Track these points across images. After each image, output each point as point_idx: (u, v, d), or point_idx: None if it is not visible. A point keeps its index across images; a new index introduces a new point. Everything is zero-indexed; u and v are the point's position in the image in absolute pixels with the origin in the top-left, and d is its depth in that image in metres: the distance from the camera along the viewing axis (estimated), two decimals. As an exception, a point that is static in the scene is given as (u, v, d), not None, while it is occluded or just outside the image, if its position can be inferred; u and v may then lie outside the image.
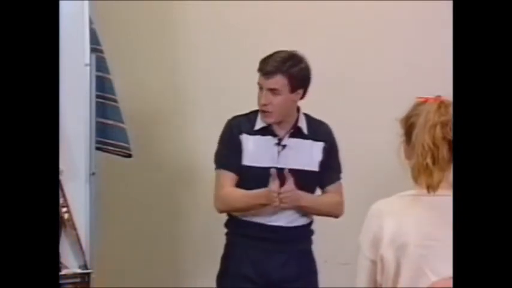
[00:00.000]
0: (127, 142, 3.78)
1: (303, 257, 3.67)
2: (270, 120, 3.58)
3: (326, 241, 3.78)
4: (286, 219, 3.60)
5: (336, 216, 3.69)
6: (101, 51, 3.66)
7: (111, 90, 3.73)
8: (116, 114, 3.74)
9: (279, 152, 3.58)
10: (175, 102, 4.61)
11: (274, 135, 3.60)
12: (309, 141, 3.61)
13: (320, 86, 3.99)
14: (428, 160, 2.34)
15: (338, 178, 3.69)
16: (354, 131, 3.76)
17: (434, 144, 2.35)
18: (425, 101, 2.43)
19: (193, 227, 4.63)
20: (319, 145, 3.62)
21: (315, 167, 3.61)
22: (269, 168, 3.50)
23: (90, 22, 3.46)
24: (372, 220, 2.42)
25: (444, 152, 2.34)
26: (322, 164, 3.61)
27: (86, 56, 3.42)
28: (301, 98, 3.61)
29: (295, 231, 3.63)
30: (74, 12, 3.36)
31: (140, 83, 4.53)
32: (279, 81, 3.52)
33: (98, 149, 3.60)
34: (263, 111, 3.57)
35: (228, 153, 3.61)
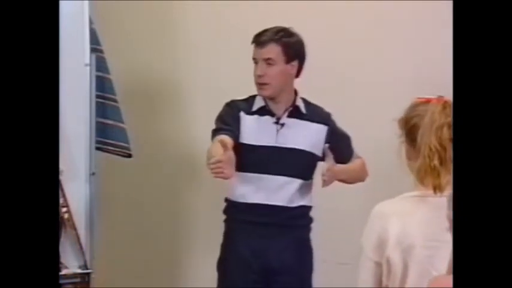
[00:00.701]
0: (127, 142, 3.79)
1: (301, 246, 3.65)
2: (267, 92, 3.56)
3: (325, 241, 3.77)
4: (286, 199, 3.57)
5: (364, 179, 3.72)
6: (101, 51, 3.67)
7: (111, 90, 3.73)
8: (116, 114, 3.74)
9: (277, 131, 3.58)
10: (175, 102, 4.61)
11: (272, 114, 3.59)
12: (308, 122, 3.60)
13: (320, 86, 3.99)
14: (436, 161, 2.33)
15: (352, 151, 3.70)
16: (354, 131, 3.75)
17: (441, 145, 2.34)
18: (427, 101, 2.42)
19: (193, 227, 4.63)
20: (321, 128, 3.61)
21: (316, 150, 3.59)
22: (268, 147, 3.50)
23: (90, 22, 3.47)
24: (375, 222, 2.40)
25: (451, 152, 2.32)
26: (334, 147, 3.55)
27: (86, 56, 3.43)
28: (297, 75, 3.60)
29: (294, 213, 3.59)
30: (74, 12, 3.37)
31: (140, 83, 4.53)
32: (273, 49, 3.53)
33: (98, 149, 3.60)
34: (259, 84, 3.56)
35: (224, 123, 3.55)
